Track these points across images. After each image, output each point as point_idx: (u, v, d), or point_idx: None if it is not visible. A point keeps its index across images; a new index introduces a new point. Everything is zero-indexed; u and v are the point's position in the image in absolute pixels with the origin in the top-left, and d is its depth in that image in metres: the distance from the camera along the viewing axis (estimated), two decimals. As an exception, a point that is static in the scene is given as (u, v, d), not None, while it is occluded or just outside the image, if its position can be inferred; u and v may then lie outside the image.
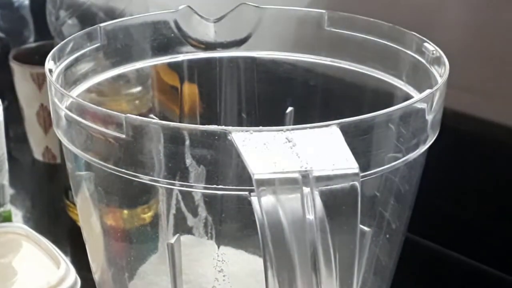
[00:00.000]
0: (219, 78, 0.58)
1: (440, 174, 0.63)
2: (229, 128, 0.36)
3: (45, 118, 0.82)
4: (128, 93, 0.60)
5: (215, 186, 0.38)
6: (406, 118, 0.40)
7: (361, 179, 0.35)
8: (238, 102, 0.59)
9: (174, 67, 0.57)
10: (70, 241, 0.67)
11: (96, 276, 0.51)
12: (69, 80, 0.49)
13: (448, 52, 0.47)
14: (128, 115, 0.39)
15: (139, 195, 0.48)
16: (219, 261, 0.51)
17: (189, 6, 0.55)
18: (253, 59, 0.57)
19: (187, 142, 0.38)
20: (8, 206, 0.68)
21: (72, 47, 0.49)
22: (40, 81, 0.81)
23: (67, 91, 0.45)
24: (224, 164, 0.38)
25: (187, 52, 0.56)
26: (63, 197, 0.72)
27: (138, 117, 0.39)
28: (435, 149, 0.44)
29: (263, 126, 0.36)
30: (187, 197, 0.53)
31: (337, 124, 0.37)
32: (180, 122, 0.59)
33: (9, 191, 0.68)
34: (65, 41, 0.49)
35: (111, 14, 0.65)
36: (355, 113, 0.38)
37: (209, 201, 0.54)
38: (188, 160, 0.39)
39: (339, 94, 0.55)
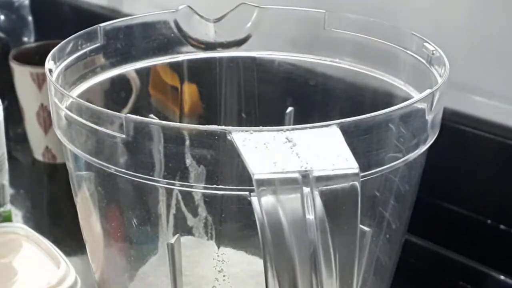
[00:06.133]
0: (219, 78, 0.58)
1: (440, 174, 0.63)
2: (229, 128, 0.36)
3: (45, 118, 0.82)
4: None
5: (215, 186, 0.38)
6: (406, 118, 0.40)
7: (361, 179, 0.35)
8: (238, 102, 0.59)
9: (174, 67, 0.57)
10: (70, 241, 0.67)
11: (96, 276, 0.51)
12: (69, 80, 0.49)
13: (448, 52, 0.47)
14: (128, 115, 0.39)
15: (139, 195, 0.48)
16: (219, 261, 0.51)
17: (189, 6, 0.55)
18: (253, 59, 0.57)
19: (187, 142, 0.38)
20: (8, 206, 0.68)
21: (72, 47, 0.49)
22: (40, 81, 0.81)
23: (67, 91, 0.45)
24: (224, 164, 0.38)
25: (187, 52, 0.56)
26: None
27: (138, 117, 0.39)
28: (435, 149, 0.44)
29: (263, 126, 0.36)
30: (187, 197, 0.53)
31: (337, 124, 0.37)
32: (180, 122, 0.59)
33: (9, 191, 0.68)
34: (65, 41, 0.49)
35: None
36: (355, 113, 0.38)
37: (209, 201, 0.54)
38: (188, 160, 0.39)
39: (339, 94, 0.55)
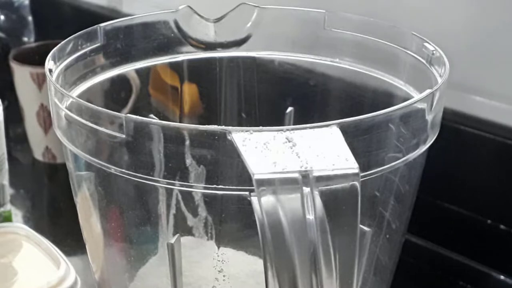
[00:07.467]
0: (219, 78, 0.58)
1: (440, 174, 0.63)
2: (229, 128, 0.36)
3: (45, 118, 0.82)
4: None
5: (215, 186, 0.38)
6: (406, 118, 0.40)
7: (361, 179, 0.35)
8: (238, 102, 0.59)
9: (174, 67, 0.57)
10: (70, 241, 0.67)
11: (96, 276, 0.51)
12: (69, 80, 0.49)
13: (448, 52, 0.47)
14: (128, 115, 0.39)
15: (139, 195, 0.48)
16: (219, 261, 0.51)
17: (189, 6, 0.55)
18: (253, 59, 0.57)
19: (187, 142, 0.38)
20: (8, 206, 0.68)
21: (72, 47, 0.49)
22: (40, 81, 0.81)
23: (67, 91, 0.45)
24: (224, 164, 0.38)
25: (187, 52, 0.56)
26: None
27: (138, 117, 0.39)
28: (435, 149, 0.44)
29: (263, 126, 0.36)
30: (187, 197, 0.53)
31: (337, 124, 0.37)
32: (180, 122, 0.59)
33: (9, 191, 0.68)
34: (65, 41, 0.49)
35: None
36: (355, 113, 0.38)
37: (209, 201, 0.54)
38: (188, 160, 0.39)
39: (339, 94, 0.55)
